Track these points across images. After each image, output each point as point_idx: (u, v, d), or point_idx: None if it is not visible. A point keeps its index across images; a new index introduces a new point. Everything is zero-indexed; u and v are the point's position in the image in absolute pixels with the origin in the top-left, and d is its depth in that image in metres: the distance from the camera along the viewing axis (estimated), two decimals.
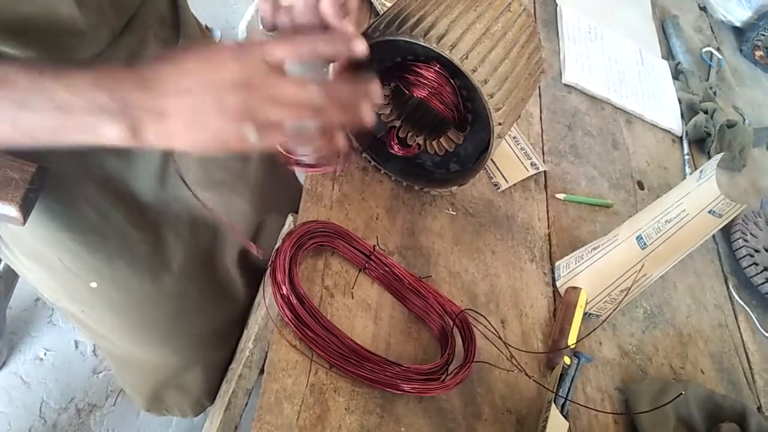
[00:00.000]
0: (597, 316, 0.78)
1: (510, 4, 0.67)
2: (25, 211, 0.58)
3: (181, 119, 0.48)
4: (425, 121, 0.74)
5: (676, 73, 1.22)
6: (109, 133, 0.47)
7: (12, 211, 0.57)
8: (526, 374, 0.67)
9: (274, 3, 0.57)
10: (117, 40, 0.69)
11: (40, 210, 0.66)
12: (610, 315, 0.77)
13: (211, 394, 0.89)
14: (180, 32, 0.79)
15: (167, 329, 0.79)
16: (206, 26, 1.95)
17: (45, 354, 1.29)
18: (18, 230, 0.66)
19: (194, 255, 0.78)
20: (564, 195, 0.89)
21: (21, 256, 0.73)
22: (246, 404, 0.81)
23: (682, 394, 0.66)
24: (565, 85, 1.07)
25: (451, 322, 0.65)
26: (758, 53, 1.45)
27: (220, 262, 0.82)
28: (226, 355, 0.86)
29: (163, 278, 0.75)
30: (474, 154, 0.74)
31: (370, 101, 0.52)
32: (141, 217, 0.73)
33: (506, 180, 0.85)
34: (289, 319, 0.59)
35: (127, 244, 0.72)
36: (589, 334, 0.75)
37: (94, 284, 0.72)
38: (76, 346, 1.31)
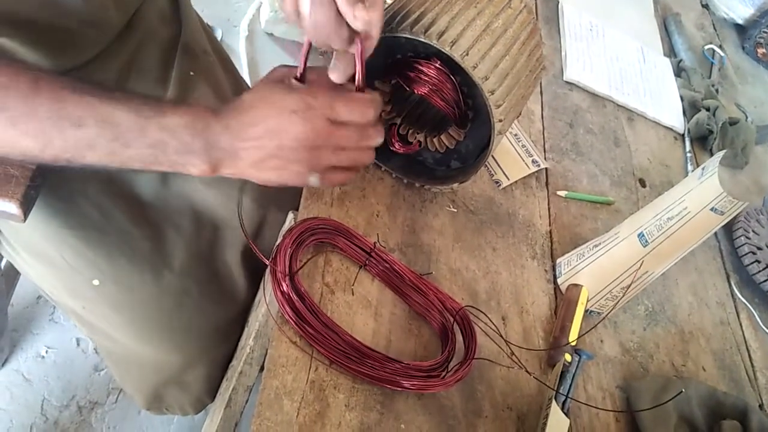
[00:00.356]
0: (598, 313, 0.77)
1: (511, 0, 0.67)
2: (26, 208, 0.58)
3: (252, 163, 0.56)
4: (426, 118, 0.74)
5: (678, 71, 1.22)
6: (194, 169, 0.55)
7: (12, 208, 0.57)
8: (527, 371, 0.67)
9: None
10: (119, 37, 0.69)
11: (42, 207, 0.66)
12: (610, 312, 0.77)
13: (212, 392, 0.89)
14: (182, 30, 0.80)
15: (168, 326, 0.79)
16: (208, 24, 1.95)
17: (47, 351, 1.29)
18: (20, 227, 0.66)
19: (195, 252, 0.78)
20: (565, 192, 0.89)
21: (23, 253, 0.73)
22: (246, 401, 0.81)
23: (682, 392, 0.66)
24: (567, 82, 1.07)
25: (452, 319, 0.65)
26: (760, 51, 1.44)
27: (221, 259, 0.82)
28: (227, 353, 0.86)
29: (164, 275, 0.75)
30: (475, 151, 0.74)
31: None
32: (142, 215, 0.73)
33: (507, 177, 0.85)
34: (290, 316, 0.59)
35: (128, 241, 0.72)
36: (589, 330, 0.75)
37: (96, 281, 0.72)
38: (78, 344, 1.31)
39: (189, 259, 0.77)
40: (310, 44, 0.57)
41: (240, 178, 0.58)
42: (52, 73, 0.51)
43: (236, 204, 0.79)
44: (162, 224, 0.75)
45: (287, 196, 0.81)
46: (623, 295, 0.74)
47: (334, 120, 0.56)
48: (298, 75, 0.58)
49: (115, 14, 0.67)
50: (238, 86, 0.91)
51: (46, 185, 0.63)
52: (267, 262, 0.62)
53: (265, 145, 0.55)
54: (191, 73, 0.78)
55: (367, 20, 0.51)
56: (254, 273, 0.86)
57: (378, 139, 0.60)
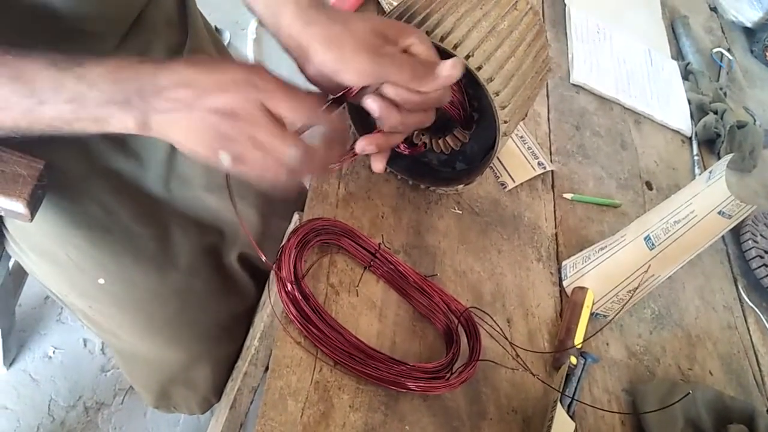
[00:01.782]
0: (604, 316, 0.77)
1: (516, 2, 0.67)
2: (33, 207, 0.59)
3: (173, 122, 0.50)
4: None
5: (686, 74, 1.21)
6: (117, 123, 0.50)
7: (20, 207, 0.58)
8: (532, 373, 0.66)
9: None
10: (124, 41, 0.70)
11: (47, 206, 0.67)
12: (616, 315, 0.77)
13: (218, 391, 0.89)
14: (188, 33, 0.80)
15: (173, 325, 0.79)
16: (215, 27, 1.96)
17: (54, 352, 1.30)
18: (26, 226, 0.66)
19: (200, 252, 0.78)
20: (572, 195, 0.88)
21: (29, 252, 0.74)
22: (251, 402, 0.81)
23: (689, 393, 0.65)
24: (573, 85, 1.07)
25: (457, 321, 0.65)
26: None
27: (227, 259, 0.82)
28: (233, 352, 0.86)
29: (169, 274, 0.76)
30: (480, 152, 0.74)
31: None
32: (148, 214, 0.74)
33: (513, 179, 0.85)
34: (294, 317, 0.59)
35: (133, 241, 0.73)
36: (595, 334, 0.74)
37: (101, 280, 0.73)
38: (85, 344, 1.32)
39: (194, 258, 0.77)
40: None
41: (165, 139, 0.52)
42: None
43: (239, 210, 0.79)
44: (167, 223, 0.76)
45: (289, 204, 0.81)
46: (629, 299, 0.74)
47: (267, 107, 0.50)
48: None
49: (118, 19, 0.67)
50: None
51: (52, 185, 0.63)
52: (271, 265, 0.62)
53: (187, 104, 0.49)
54: None
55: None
56: (259, 272, 0.86)
57: (289, 151, 0.50)
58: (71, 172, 0.68)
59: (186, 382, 0.88)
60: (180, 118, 0.50)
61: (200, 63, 0.51)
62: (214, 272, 0.80)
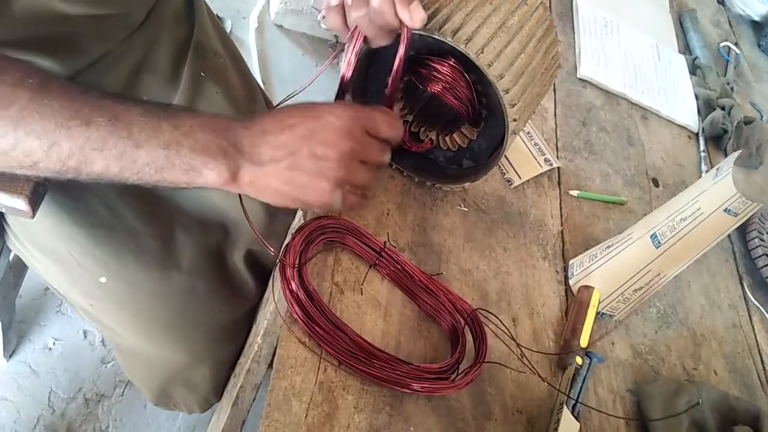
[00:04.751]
0: (610, 315, 0.76)
1: None
2: (34, 204, 0.58)
3: (275, 172, 0.51)
4: (438, 116, 0.73)
5: (693, 68, 1.20)
6: (211, 175, 0.50)
7: (21, 204, 0.57)
8: (539, 376, 0.66)
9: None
10: (131, 36, 0.69)
11: (50, 204, 0.66)
12: (624, 315, 0.76)
13: (218, 392, 0.89)
14: (194, 27, 0.79)
15: (175, 325, 0.79)
16: (217, 16, 1.94)
17: (54, 343, 1.29)
18: (28, 223, 0.66)
19: (203, 252, 0.77)
20: (578, 192, 0.88)
21: (31, 248, 0.73)
22: (254, 399, 0.80)
23: (699, 403, 0.65)
24: (580, 79, 1.06)
25: (463, 321, 0.64)
26: None
27: (230, 259, 0.81)
28: (234, 353, 0.86)
29: (172, 274, 0.75)
30: (487, 150, 0.73)
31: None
32: (151, 213, 0.73)
33: (519, 176, 0.84)
34: (299, 316, 0.58)
35: (135, 239, 0.72)
36: (601, 337, 0.74)
37: (103, 279, 0.72)
38: (85, 336, 1.32)
39: (197, 259, 0.77)
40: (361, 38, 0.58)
41: (255, 195, 0.54)
42: (63, 77, 0.49)
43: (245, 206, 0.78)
44: (170, 223, 0.75)
45: None
46: (635, 298, 0.73)
47: (371, 132, 0.54)
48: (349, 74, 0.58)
49: (129, 14, 0.66)
50: (251, 89, 0.88)
51: (56, 182, 0.63)
52: (278, 255, 0.61)
53: (293, 150, 0.51)
54: (202, 74, 0.77)
55: (422, 18, 0.54)
56: (262, 274, 0.85)
57: (389, 155, 0.58)
58: None
59: (186, 381, 0.87)
60: (281, 167, 0.51)
61: (292, 107, 0.53)
62: (217, 273, 0.80)
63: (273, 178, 0.52)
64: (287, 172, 0.51)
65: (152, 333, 0.78)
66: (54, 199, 0.66)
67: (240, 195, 0.57)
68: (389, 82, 0.61)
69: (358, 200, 0.57)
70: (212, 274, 0.79)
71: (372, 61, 0.69)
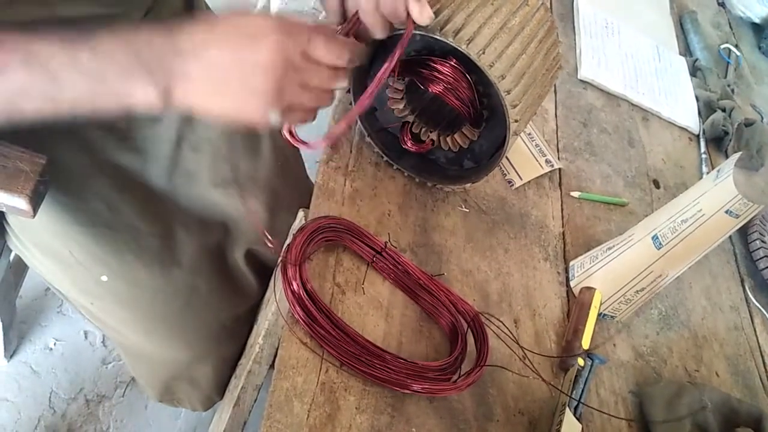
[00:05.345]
0: (611, 317, 0.76)
1: None
2: (35, 203, 0.58)
3: (206, 88, 0.48)
4: (440, 117, 0.73)
5: (694, 70, 1.20)
6: (140, 95, 0.47)
7: (22, 203, 0.57)
8: (542, 378, 0.66)
9: None
10: None
11: (50, 202, 0.66)
12: (627, 318, 0.76)
13: (221, 390, 0.89)
14: None
15: (176, 323, 0.79)
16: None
17: (55, 344, 1.29)
18: (29, 222, 0.66)
19: (204, 250, 0.78)
20: (579, 193, 0.88)
21: (32, 248, 0.73)
22: (255, 400, 0.80)
23: (706, 406, 0.65)
24: (581, 80, 1.06)
25: (465, 324, 0.64)
26: None
27: (231, 257, 0.81)
28: (236, 351, 0.86)
29: (173, 272, 0.75)
30: (489, 150, 0.73)
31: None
32: (151, 211, 0.73)
33: (520, 177, 0.84)
34: (300, 316, 0.58)
35: (136, 238, 0.72)
36: (605, 342, 0.74)
37: (104, 278, 0.72)
38: (86, 337, 1.32)
39: (197, 257, 0.77)
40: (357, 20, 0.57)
41: (187, 108, 0.50)
42: None
43: (244, 203, 0.78)
44: (171, 221, 0.75)
45: (297, 200, 0.80)
46: (637, 299, 0.73)
47: (308, 54, 0.50)
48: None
49: (128, 15, 0.66)
50: None
51: (55, 180, 0.63)
52: (279, 252, 0.61)
53: (225, 68, 0.48)
54: None
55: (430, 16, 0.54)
56: (263, 271, 0.85)
57: (342, 83, 0.54)
58: (74, 167, 0.67)
59: (189, 379, 0.87)
60: (211, 82, 0.48)
61: (219, 20, 0.49)
62: (218, 271, 0.80)
63: (203, 95, 0.49)
64: (217, 88, 0.49)
65: (153, 331, 0.78)
66: (54, 198, 0.66)
67: (240, 193, 0.56)
68: (384, 67, 0.56)
69: (299, 117, 0.54)
70: (213, 272, 0.79)
71: (373, 60, 0.69)
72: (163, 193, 0.74)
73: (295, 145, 0.58)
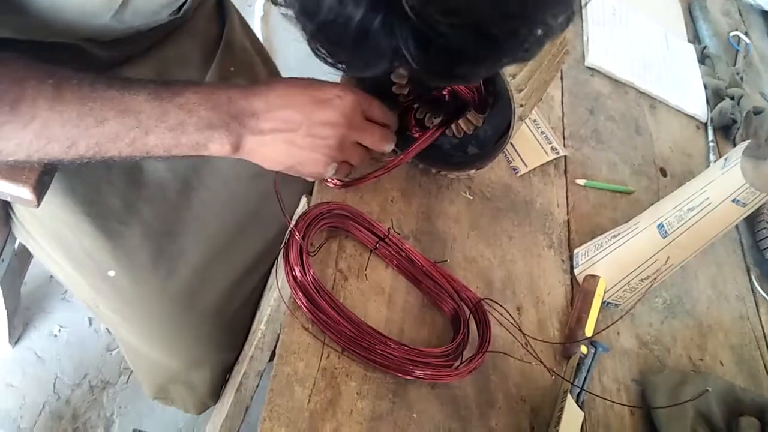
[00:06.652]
0: (616, 305, 0.76)
1: None
2: (39, 193, 0.58)
3: (275, 144, 0.55)
4: (444, 103, 0.72)
5: (702, 58, 1.19)
6: (215, 148, 0.54)
7: (26, 193, 0.57)
8: (545, 366, 0.66)
9: None
10: (167, 33, 0.70)
11: (65, 192, 0.66)
12: (629, 305, 0.75)
13: (216, 395, 0.89)
14: (225, 27, 0.80)
15: (176, 327, 0.78)
16: None
17: (59, 330, 1.30)
18: (39, 212, 0.66)
19: (212, 255, 0.77)
20: (584, 181, 0.87)
21: (39, 238, 0.73)
22: (257, 386, 0.80)
23: (708, 390, 0.65)
24: (588, 67, 1.05)
25: (467, 311, 0.64)
26: None
27: (238, 264, 0.81)
28: (234, 359, 0.85)
29: (179, 274, 0.74)
30: (493, 137, 0.72)
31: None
32: (163, 213, 0.73)
33: (525, 164, 0.83)
34: (302, 302, 0.58)
35: (148, 235, 0.72)
36: (607, 327, 0.73)
37: (111, 272, 0.72)
38: (90, 323, 1.32)
39: (205, 260, 0.76)
40: None
41: (260, 163, 0.57)
42: (69, 70, 0.51)
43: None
44: (183, 226, 0.75)
45: (298, 183, 0.79)
46: (642, 288, 0.73)
47: (366, 115, 0.58)
48: None
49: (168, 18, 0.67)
50: None
51: (75, 171, 0.63)
52: (293, 228, 0.61)
53: (294, 126, 0.54)
54: (231, 69, 0.79)
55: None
56: (266, 277, 0.85)
57: (391, 146, 0.63)
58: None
59: (185, 383, 0.87)
60: (281, 138, 0.55)
61: (291, 84, 0.56)
62: (224, 277, 0.79)
63: (272, 149, 0.56)
64: (285, 145, 0.55)
65: (152, 331, 0.78)
66: (69, 189, 0.67)
67: (276, 189, 0.61)
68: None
69: (347, 170, 0.63)
70: (219, 278, 0.78)
71: None
72: (178, 193, 0.74)
73: (335, 188, 0.67)
